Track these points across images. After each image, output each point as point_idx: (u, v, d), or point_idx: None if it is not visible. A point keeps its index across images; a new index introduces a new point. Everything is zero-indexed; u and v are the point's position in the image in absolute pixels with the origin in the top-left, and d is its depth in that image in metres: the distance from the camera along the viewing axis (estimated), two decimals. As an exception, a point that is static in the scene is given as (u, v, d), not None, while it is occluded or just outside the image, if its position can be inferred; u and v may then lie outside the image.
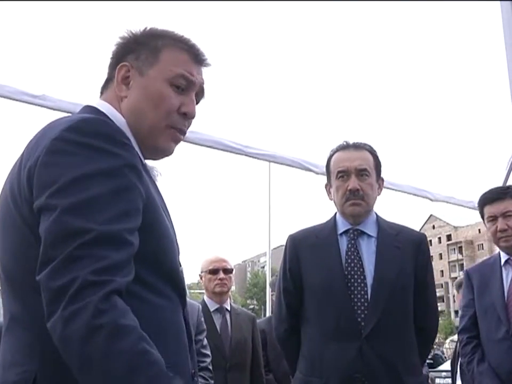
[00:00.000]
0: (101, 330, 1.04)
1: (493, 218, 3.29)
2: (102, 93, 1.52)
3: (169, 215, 1.43)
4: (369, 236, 2.64)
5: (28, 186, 1.20)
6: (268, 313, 15.30)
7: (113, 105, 1.45)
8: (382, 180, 2.77)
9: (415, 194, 4.94)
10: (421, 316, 2.62)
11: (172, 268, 1.36)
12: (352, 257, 2.58)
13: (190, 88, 1.49)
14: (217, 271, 4.01)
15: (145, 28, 1.52)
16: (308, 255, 2.67)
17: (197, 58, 1.52)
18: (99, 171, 1.18)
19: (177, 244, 1.43)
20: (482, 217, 3.40)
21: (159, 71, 1.45)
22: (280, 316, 2.79)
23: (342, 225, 2.69)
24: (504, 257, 3.31)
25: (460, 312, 3.52)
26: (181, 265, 2.64)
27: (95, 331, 1.04)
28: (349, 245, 2.62)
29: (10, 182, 1.29)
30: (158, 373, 1.09)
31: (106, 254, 1.11)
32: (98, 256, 1.10)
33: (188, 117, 1.49)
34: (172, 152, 1.52)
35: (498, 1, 3.20)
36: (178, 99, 1.46)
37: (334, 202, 2.72)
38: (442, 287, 71.04)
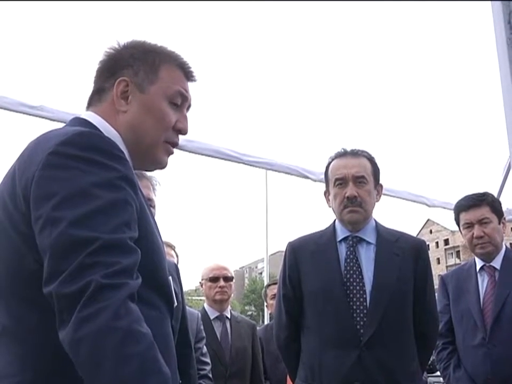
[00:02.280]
0: (117, 333, 1.05)
1: (469, 225, 3.29)
2: (90, 104, 1.52)
3: (157, 226, 1.45)
4: (368, 242, 2.64)
5: (24, 199, 1.21)
6: (266, 320, 15.28)
7: (107, 118, 1.46)
8: (381, 186, 2.77)
9: (412, 200, 4.95)
10: (421, 322, 2.62)
11: (162, 278, 1.38)
12: (351, 264, 2.58)
13: (183, 105, 1.55)
14: (218, 279, 4.02)
15: (136, 41, 1.54)
16: (307, 262, 2.68)
17: (188, 75, 1.57)
18: (97, 184, 1.19)
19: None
20: (458, 223, 3.39)
21: (159, 88, 1.49)
22: (280, 323, 2.79)
23: (341, 232, 2.70)
24: (479, 263, 3.32)
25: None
26: (178, 273, 2.65)
27: (111, 333, 1.05)
28: (348, 252, 2.62)
29: (2, 193, 1.29)
30: (166, 382, 1.10)
31: (116, 259, 1.13)
32: (108, 262, 1.11)
33: (182, 133, 1.55)
34: (166, 165, 1.56)
35: (489, 2, 3.21)
36: (175, 116, 1.51)
37: (333, 209, 2.73)
38: (440, 291, 70.45)
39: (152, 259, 1.33)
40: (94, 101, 1.51)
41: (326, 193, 2.79)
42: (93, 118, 1.45)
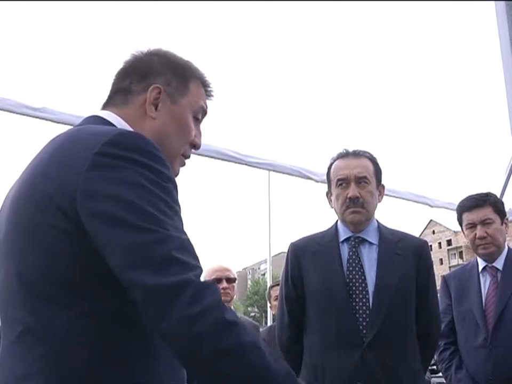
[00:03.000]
0: (232, 326, 1.11)
1: (472, 226, 3.28)
2: (110, 102, 1.51)
3: None
4: (370, 243, 2.64)
5: (65, 197, 1.19)
6: (269, 321, 15.29)
7: (130, 121, 1.45)
8: (383, 186, 2.77)
9: (414, 201, 4.96)
10: (423, 323, 2.62)
11: None
12: (354, 264, 2.58)
13: (201, 121, 1.58)
14: (220, 280, 4.01)
15: (165, 51, 1.57)
16: (309, 263, 2.68)
17: (208, 93, 1.60)
18: (150, 185, 1.21)
19: None
20: (461, 224, 3.38)
21: (188, 101, 1.52)
22: (283, 324, 2.79)
23: (343, 233, 2.70)
24: (482, 264, 3.32)
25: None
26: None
27: (227, 327, 1.11)
28: (350, 253, 2.62)
29: (30, 191, 1.27)
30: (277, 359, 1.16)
31: (192, 260, 1.17)
32: (188, 260, 1.15)
33: (196, 148, 1.58)
34: (177, 176, 1.58)
35: (493, 2, 3.22)
36: (194, 130, 1.55)
37: (335, 210, 2.73)
38: (443, 292, 70.05)
39: None
40: (116, 100, 1.50)
41: (328, 193, 2.79)
42: (112, 118, 1.44)
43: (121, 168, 1.21)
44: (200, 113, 1.55)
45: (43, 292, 1.22)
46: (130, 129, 1.43)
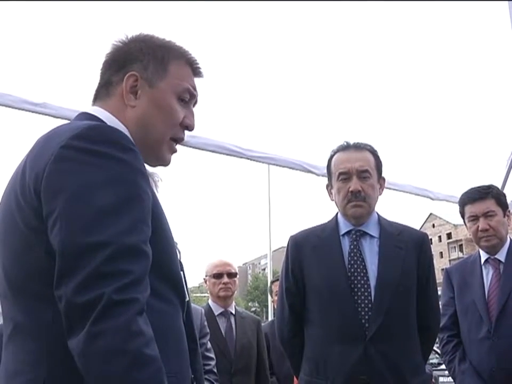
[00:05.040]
0: (126, 355, 1.07)
1: (474, 218, 3.28)
2: (97, 97, 1.51)
3: (167, 220, 1.45)
4: (371, 236, 2.63)
5: (35, 193, 1.20)
6: (270, 316, 15.32)
7: (116, 113, 1.45)
8: (384, 179, 2.76)
9: (415, 194, 4.95)
10: (423, 315, 2.62)
11: (174, 272, 1.38)
12: (355, 258, 2.58)
13: (191, 102, 1.54)
14: (221, 275, 4.01)
15: (145, 35, 1.53)
16: (310, 256, 2.67)
17: (196, 71, 1.56)
18: (111, 179, 1.19)
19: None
20: (463, 216, 3.38)
21: (168, 84, 1.48)
22: (283, 317, 2.78)
23: (344, 226, 2.69)
24: (484, 256, 3.32)
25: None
26: (182, 269, 2.65)
27: (119, 354, 1.06)
28: (352, 246, 2.61)
29: (13, 188, 1.28)
30: None
31: (129, 268, 1.12)
32: (121, 271, 1.11)
33: (189, 129, 1.54)
34: (170, 162, 1.56)
35: (506, 2, 3.21)
36: (183, 112, 1.51)
37: (336, 203, 2.72)
38: (444, 285, 69.96)
39: (166, 252, 1.34)
40: (101, 94, 1.50)
41: (329, 186, 2.78)
42: (100, 113, 1.44)
43: (82, 161, 1.19)
44: (185, 94, 1.51)
45: (28, 289, 1.23)
46: (119, 122, 1.42)
